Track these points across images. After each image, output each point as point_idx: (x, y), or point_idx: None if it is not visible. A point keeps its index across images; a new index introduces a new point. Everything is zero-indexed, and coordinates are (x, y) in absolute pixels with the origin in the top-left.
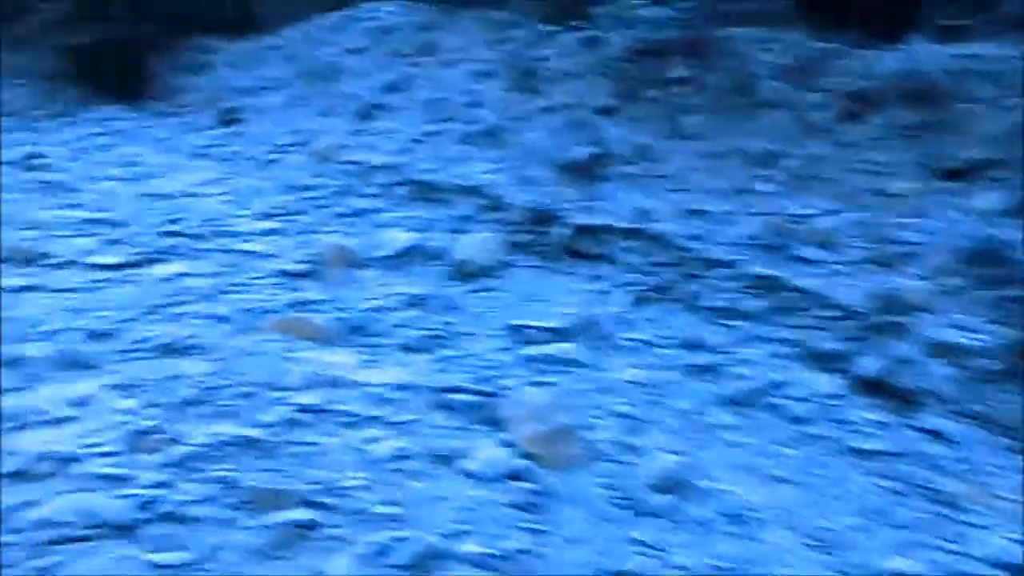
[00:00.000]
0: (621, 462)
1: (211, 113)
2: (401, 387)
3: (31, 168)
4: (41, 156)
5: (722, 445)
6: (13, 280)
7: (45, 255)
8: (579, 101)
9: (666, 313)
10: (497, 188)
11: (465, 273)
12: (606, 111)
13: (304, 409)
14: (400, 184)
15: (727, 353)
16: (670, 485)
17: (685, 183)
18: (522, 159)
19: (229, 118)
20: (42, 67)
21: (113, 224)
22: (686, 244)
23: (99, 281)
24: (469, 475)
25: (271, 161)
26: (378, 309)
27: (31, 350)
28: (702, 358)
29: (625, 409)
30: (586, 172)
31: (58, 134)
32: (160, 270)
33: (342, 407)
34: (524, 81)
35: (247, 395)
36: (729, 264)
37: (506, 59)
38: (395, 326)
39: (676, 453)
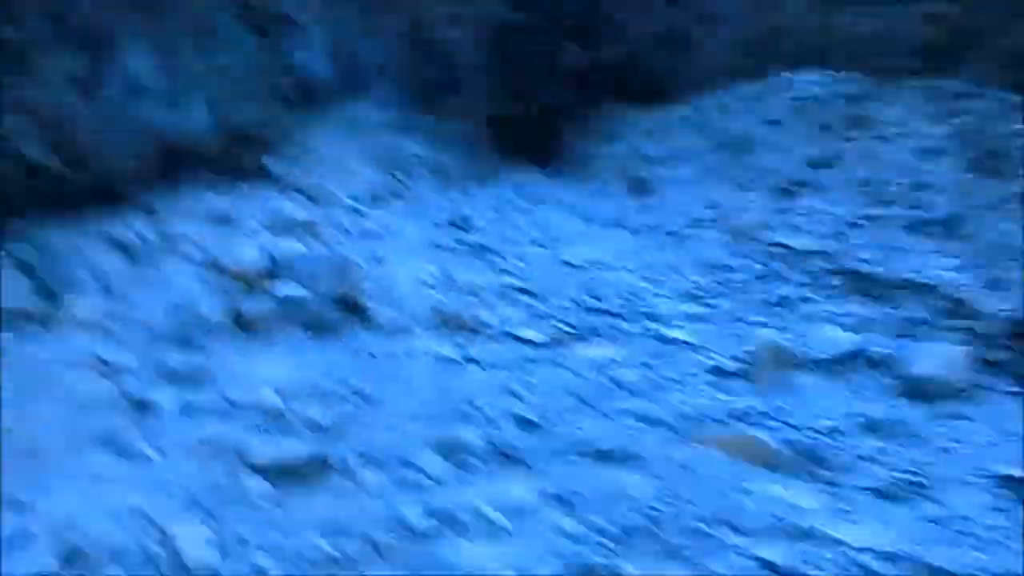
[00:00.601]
0: None
1: (622, 182)
2: (887, 556)
3: (458, 228)
4: (467, 219)
5: None
6: (448, 350)
7: (476, 324)
8: None
9: None
10: (958, 289)
11: (925, 393)
12: None
13: (770, 567)
14: (833, 273)
15: None
16: None
17: None
18: (989, 256)
19: (640, 187)
20: (470, 135)
21: (535, 294)
22: None
23: (528, 360)
24: None
25: (685, 235)
26: (831, 432)
27: (466, 433)
28: None
29: None
30: None
31: (481, 197)
32: (586, 351)
33: (819, 574)
34: (986, 162)
35: (696, 532)
36: None
37: (960, 135)
38: (858, 458)
39: None
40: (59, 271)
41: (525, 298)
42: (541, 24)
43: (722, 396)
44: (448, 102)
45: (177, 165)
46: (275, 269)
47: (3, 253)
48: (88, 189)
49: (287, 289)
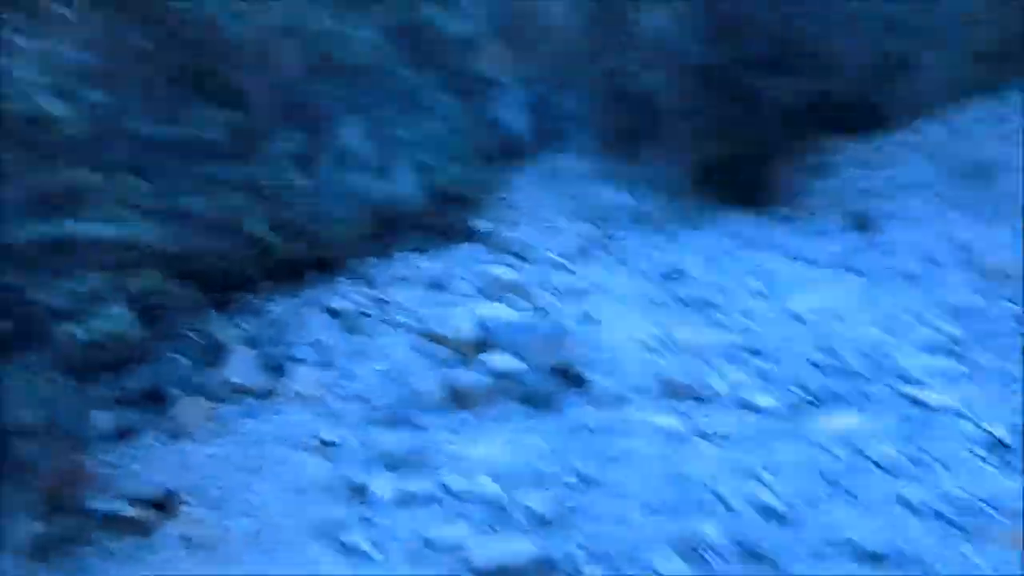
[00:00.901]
0: None
1: (845, 219)
2: None
3: (672, 280)
4: (680, 270)
5: None
6: (675, 421)
7: (703, 391)
8: None
9: None
10: None
11: None
12: None
13: None
14: None
15: None
16: None
17: None
18: None
19: (863, 224)
20: (675, 181)
21: (765, 354)
22: None
23: (764, 433)
24: None
25: (925, 277)
26: None
27: (704, 526)
28: None
29: None
30: None
31: (692, 245)
32: (829, 422)
33: None
34: None
35: None
36: None
37: None
38: None
39: None
40: (281, 343)
41: (754, 359)
42: (741, 59)
43: (1005, 479)
44: (649, 148)
45: (389, 231)
46: (488, 338)
47: (231, 326)
48: (306, 260)
49: (501, 361)
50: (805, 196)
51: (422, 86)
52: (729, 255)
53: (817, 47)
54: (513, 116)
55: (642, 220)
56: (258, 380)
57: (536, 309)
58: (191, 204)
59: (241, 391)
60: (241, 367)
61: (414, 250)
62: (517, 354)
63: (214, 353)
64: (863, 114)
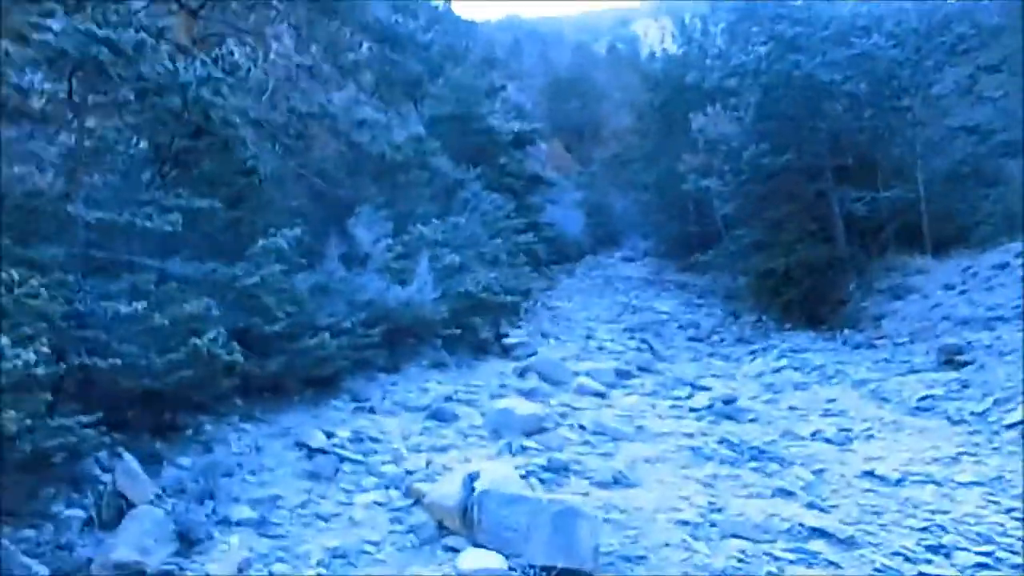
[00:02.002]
0: None
1: (926, 349)
2: None
3: (723, 417)
4: (732, 401)
5: None
6: None
7: None
8: None
9: None
10: None
11: None
12: None
13: None
14: None
15: None
16: None
17: None
18: None
19: (953, 358)
20: (730, 292)
21: (840, 538)
22: None
23: None
24: None
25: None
26: None
27: None
28: None
29: None
30: None
31: (747, 368)
32: None
33: None
34: None
35: None
36: None
37: None
38: None
39: None
40: (217, 497)
41: (826, 548)
42: (809, 167)
43: None
44: (704, 256)
45: (403, 341)
46: (480, 516)
47: (158, 467)
48: (294, 377)
49: (479, 560)
50: (877, 319)
51: (465, 182)
52: (790, 383)
53: (899, 154)
54: (564, 217)
55: (695, 337)
56: (157, 556)
57: (550, 471)
58: (133, 308)
59: None
60: (138, 536)
61: (431, 364)
62: (507, 545)
63: (112, 511)
64: (942, 231)
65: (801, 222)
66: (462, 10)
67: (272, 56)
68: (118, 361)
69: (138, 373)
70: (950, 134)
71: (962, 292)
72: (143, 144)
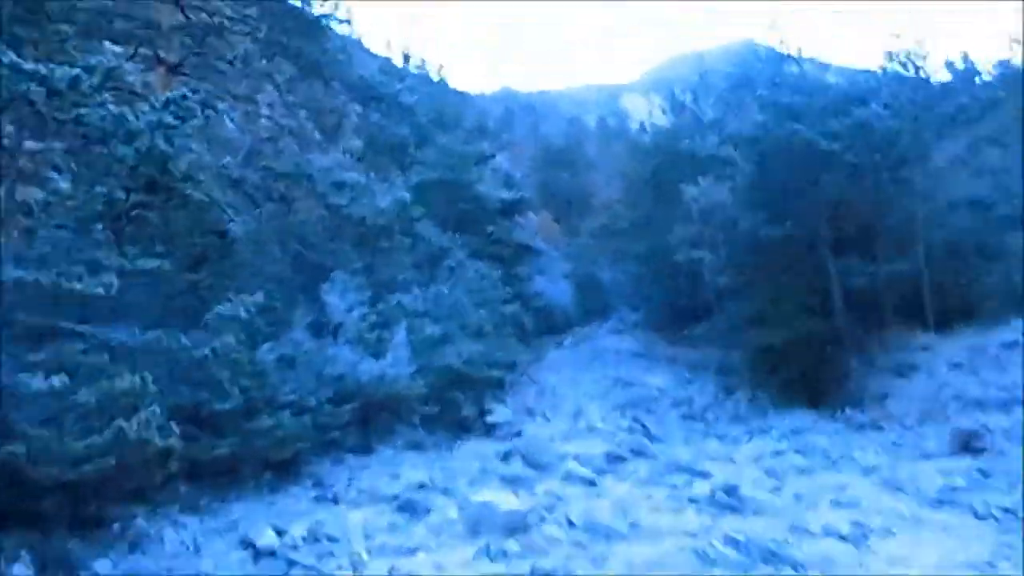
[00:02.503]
0: None
1: (937, 432)
2: None
3: (725, 508)
4: (734, 489)
5: None
6: None
7: None
8: None
9: None
10: None
11: None
12: None
13: None
14: None
15: None
16: None
17: None
18: None
19: (968, 443)
20: (724, 367)
21: None
22: None
23: None
24: None
25: None
26: None
27: None
28: None
29: None
30: None
31: (747, 450)
32: None
33: None
34: None
35: None
36: None
37: None
38: None
39: None
40: None
41: None
42: (806, 237)
43: None
44: (696, 328)
45: (375, 419)
46: None
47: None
48: (249, 458)
49: None
50: (883, 398)
51: (450, 250)
52: (794, 468)
53: (899, 226)
54: (552, 287)
55: (687, 412)
56: None
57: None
58: (50, 383)
59: None
60: None
61: (406, 445)
62: None
63: None
64: (948, 304)
65: (798, 295)
66: (456, 81)
67: (252, 114)
68: (22, 448)
69: (51, 459)
70: (950, 206)
71: (971, 371)
72: (86, 197)
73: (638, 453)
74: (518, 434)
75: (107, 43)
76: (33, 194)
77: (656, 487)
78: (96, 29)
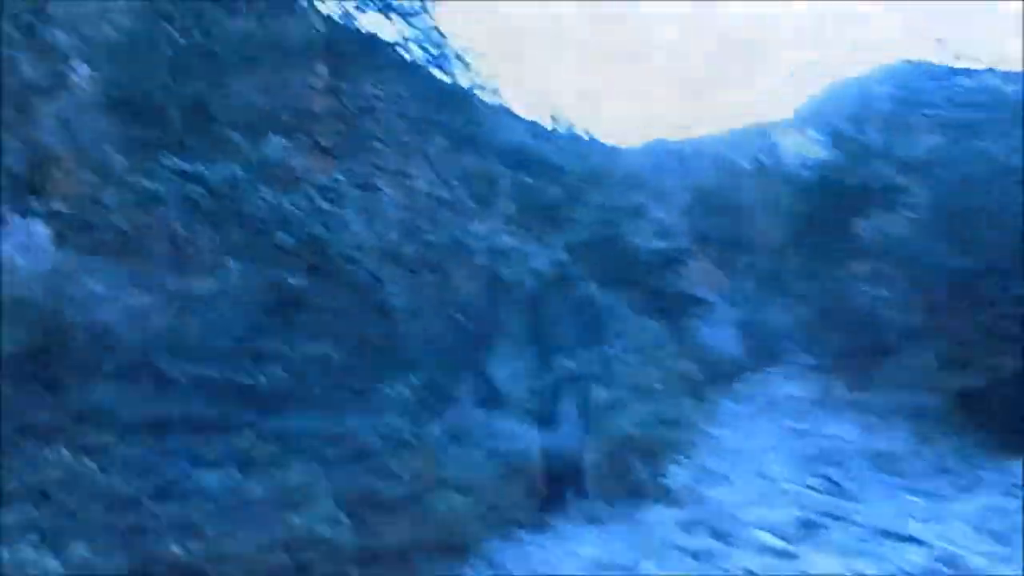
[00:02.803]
0: None
1: None
2: None
3: None
4: (955, 559)
5: None
6: None
7: None
8: None
9: None
10: None
11: None
12: None
13: None
14: None
15: None
16: None
17: None
18: None
19: None
20: (918, 412)
21: None
22: None
23: None
24: None
25: None
26: None
27: None
28: None
29: None
30: None
31: (963, 511)
32: None
33: None
34: None
35: None
36: None
37: None
38: None
39: None
40: None
41: None
42: (998, 266)
43: None
44: (881, 371)
45: (544, 492)
46: None
47: None
48: (414, 545)
49: None
50: None
51: (613, 307)
52: (1014, 527)
53: None
54: (720, 336)
55: (883, 466)
56: None
57: None
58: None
59: None
60: None
61: (581, 517)
62: None
63: None
64: None
65: (998, 331)
66: (605, 136)
67: (407, 188)
68: (199, 545)
69: (227, 557)
70: None
71: None
72: (248, 286)
73: (834, 516)
74: (699, 499)
75: (271, 135)
76: (207, 286)
77: (863, 558)
78: (258, 122)
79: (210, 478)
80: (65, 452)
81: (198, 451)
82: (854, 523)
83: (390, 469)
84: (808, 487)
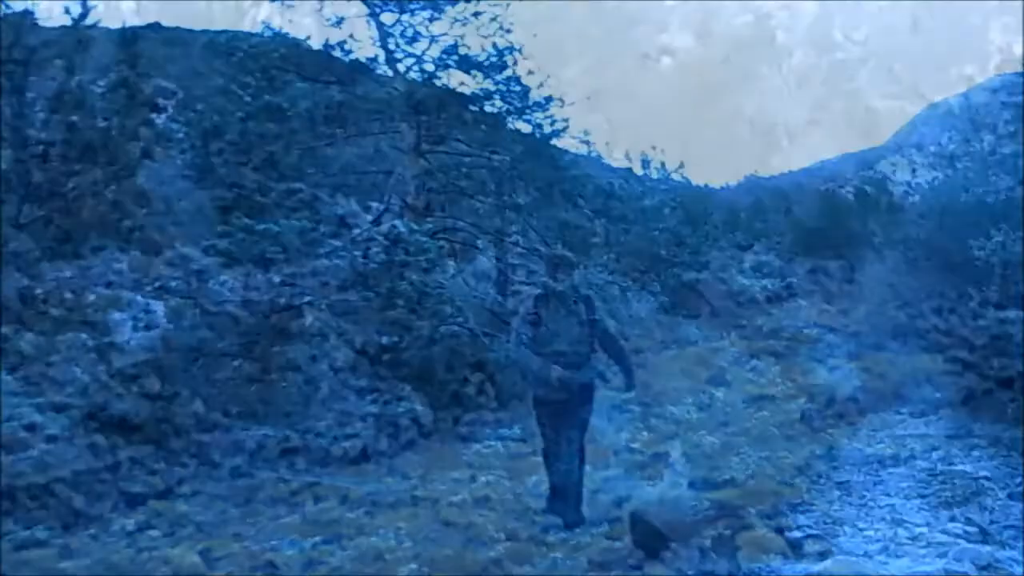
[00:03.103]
0: None
1: None
2: None
3: None
4: None
5: None
6: None
7: None
8: None
9: None
10: None
11: None
12: None
13: None
14: None
15: None
16: None
17: None
18: None
19: None
20: None
21: None
22: None
23: None
24: None
25: None
26: None
27: None
28: None
29: None
30: None
31: None
32: None
33: None
34: None
35: None
36: None
37: None
38: None
39: None
40: None
41: None
42: None
43: None
44: (1017, 401)
45: (658, 546)
46: None
47: None
48: None
49: None
50: None
51: (720, 351)
52: None
53: None
54: (837, 374)
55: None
56: None
57: None
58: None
59: None
60: None
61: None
62: None
63: None
64: None
65: None
66: (699, 177)
67: (501, 242)
68: None
69: None
70: None
71: None
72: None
73: (984, 567)
74: (826, 552)
75: (343, 196)
76: (303, 352)
77: None
78: (342, 184)
79: (288, 546)
80: None
81: (281, 518)
82: (1010, 574)
83: (486, 528)
84: (950, 535)
